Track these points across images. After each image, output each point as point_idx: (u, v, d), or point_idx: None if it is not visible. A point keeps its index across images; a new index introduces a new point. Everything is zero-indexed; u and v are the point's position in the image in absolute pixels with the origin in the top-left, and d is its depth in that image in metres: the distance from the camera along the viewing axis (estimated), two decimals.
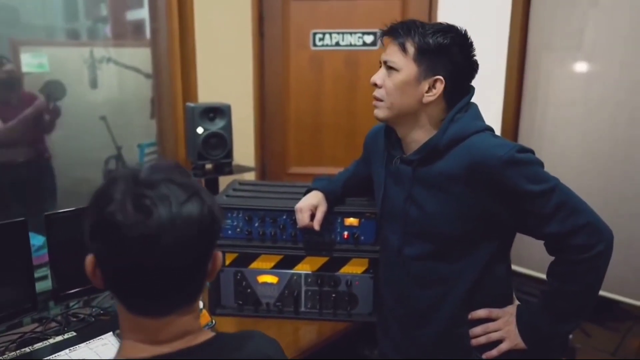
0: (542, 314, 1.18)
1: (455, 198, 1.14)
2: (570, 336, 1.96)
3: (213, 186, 2.29)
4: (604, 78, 2.22)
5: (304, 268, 1.47)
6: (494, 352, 1.21)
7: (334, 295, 1.47)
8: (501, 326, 1.21)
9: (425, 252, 1.21)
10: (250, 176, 2.62)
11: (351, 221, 1.44)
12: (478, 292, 1.21)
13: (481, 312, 1.22)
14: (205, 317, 1.55)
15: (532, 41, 2.37)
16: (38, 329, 1.53)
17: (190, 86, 2.44)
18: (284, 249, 1.46)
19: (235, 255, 1.48)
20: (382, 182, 1.29)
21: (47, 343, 1.46)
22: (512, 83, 2.38)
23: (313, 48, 2.58)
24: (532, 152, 1.13)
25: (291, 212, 1.41)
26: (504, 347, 1.20)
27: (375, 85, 1.21)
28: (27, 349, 1.43)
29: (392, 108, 1.19)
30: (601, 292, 1.19)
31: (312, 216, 1.37)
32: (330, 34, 2.55)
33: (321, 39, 2.57)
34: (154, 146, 2.69)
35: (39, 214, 1.54)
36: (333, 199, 1.42)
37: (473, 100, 1.22)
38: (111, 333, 1.49)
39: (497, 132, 1.42)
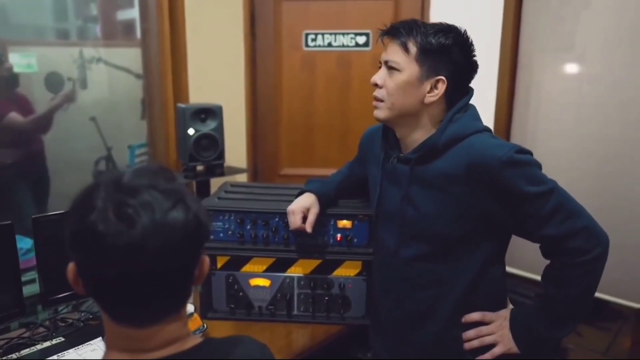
0: (536, 318, 1.18)
1: (453, 198, 1.14)
2: None
3: (204, 188, 2.27)
4: (595, 79, 2.23)
5: (296, 271, 1.46)
6: (487, 356, 1.20)
7: (326, 298, 1.46)
8: (494, 330, 1.20)
9: (421, 253, 1.20)
10: (242, 178, 2.61)
11: (344, 223, 1.43)
12: (473, 294, 1.20)
13: (474, 315, 1.21)
14: (196, 322, 1.53)
15: (524, 43, 2.38)
16: (25, 335, 1.50)
17: (182, 87, 2.42)
18: (277, 251, 1.44)
19: (227, 258, 1.46)
20: (378, 182, 1.28)
21: (35, 349, 1.44)
22: (504, 84, 2.38)
23: (305, 49, 2.57)
24: (531, 153, 1.13)
25: (283, 215, 1.39)
26: (497, 351, 1.19)
27: (376, 85, 1.19)
28: (13, 356, 1.41)
29: (393, 108, 1.17)
30: None
31: (305, 218, 1.35)
32: (322, 34, 2.54)
33: (313, 40, 2.55)
34: (145, 147, 2.66)
35: (30, 216, 1.52)
36: (326, 201, 1.40)
37: None
38: (100, 338, 1.46)
39: None
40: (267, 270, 1.46)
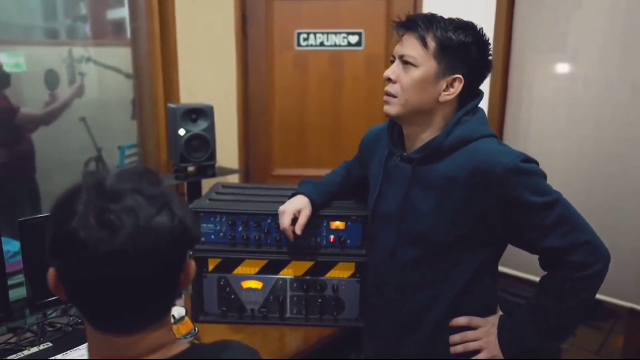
0: (526, 328, 1.16)
1: (453, 201, 1.12)
2: None
3: (196, 189, 2.25)
4: (587, 79, 2.23)
5: (289, 273, 1.44)
6: None
7: (320, 300, 1.44)
8: (480, 336, 1.18)
9: (418, 256, 1.19)
10: (234, 178, 2.58)
11: (337, 224, 1.41)
12: (465, 300, 1.19)
13: (462, 320, 1.20)
14: (187, 325, 1.51)
15: (516, 43, 2.38)
16: (12, 340, 1.47)
17: (172, 87, 2.40)
18: (269, 253, 1.43)
19: (218, 260, 1.44)
20: (379, 181, 1.26)
21: (22, 355, 1.41)
22: (497, 84, 2.38)
23: (297, 48, 2.55)
24: (537, 162, 1.11)
25: (276, 216, 1.37)
26: (481, 357, 1.18)
27: (389, 80, 1.15)
28: None
29: (406, 105, 1.14)
30: None
31: (295, 220, 1.33)
32: (314, 34, 2.53)
33: (305, 39, 2.54)
34: (135, 148, 2.63)
35: (19, 217, 1.49)
36: (318, 205, 1.38)
37: None
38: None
39: None
40: (259, 273, 1.44)
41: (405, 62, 1.12)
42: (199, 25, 2.45)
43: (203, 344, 0.77)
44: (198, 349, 0.75)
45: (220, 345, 0.76)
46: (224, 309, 1.45)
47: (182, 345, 0.73)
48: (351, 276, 1.43)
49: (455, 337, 1.20)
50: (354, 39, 2.51)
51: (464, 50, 1.10)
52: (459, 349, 1.19)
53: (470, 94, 1.16)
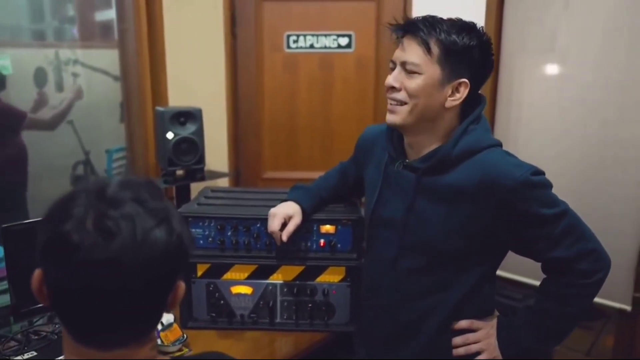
0: (524, 331, 1.17)
1: (461, 213, 1.10)
2: None
3: (184, 193, 2.23)
4: (576, 80, 2.24)
5: (279, 278, 1.42)
6: None
7: (310, 305, 1.43)
8: (481, 338, 1.19)
9: (421, 265, 1.18)
10: (223, 182, 2.56)
11: (327, 228, 1.40)
12: (465, 306, 1.19)
13: (463, 323, 1.20)
14: (176, 332, 1.49)
15: (506, 44, 2.38)
16: None
17: (160, 89, 2.37)
18: (258, 258, 1.41)
19: (207, 266, 1.42)
20: (378, 186, 1.23)
21: None
22: (486, 85, 2.36)
23: (287, 50, 2.54)
24: (544, 173, 1.10)
25: (265, 220, 1.35)
26: (482, 358, 1.19)
27: (393, 88, 1.11)
28: None
29: (413, 112, 1.10)
30: None
31: (284, 225, 1.31)
32: (304, 35, 2.51)
33: (295, 41, 2.52)
34: (123, 151, 2.60)
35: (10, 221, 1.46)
36: (309, 214, 1.36)
37: None
38: None
39: None
40: (249, 278, 1.42)
41: (409, 71, 1.09)
42: (188, 27, 2.43)
43: (185, 357, 0.75)
44: None
45: (202, 357, 0.74)
46: (213, 314, 1.43)
47: None
48: (342, 280, 1.42)
49: (457, 340, 1.20)
50: (344, 41, 2.50)
51: (468, 54, 1.07)
52: (460, 351, 1.19)
53: (472, 97, 1.13)
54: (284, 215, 1.31)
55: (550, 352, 2.18)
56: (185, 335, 1.50)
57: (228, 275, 1.42)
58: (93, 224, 0.59)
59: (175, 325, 1.50)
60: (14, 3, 2.36)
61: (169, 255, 0.63)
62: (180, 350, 1.48)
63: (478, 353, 1.19)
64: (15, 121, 2.29)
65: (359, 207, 1.46)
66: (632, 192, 2.15)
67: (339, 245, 1.40)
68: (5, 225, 1.43)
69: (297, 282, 1.42)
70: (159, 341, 1.47)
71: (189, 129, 2.13)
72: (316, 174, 1.52)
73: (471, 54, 1.07)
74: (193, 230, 1.40)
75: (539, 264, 1.19)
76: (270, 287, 1.42)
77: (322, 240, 1.40)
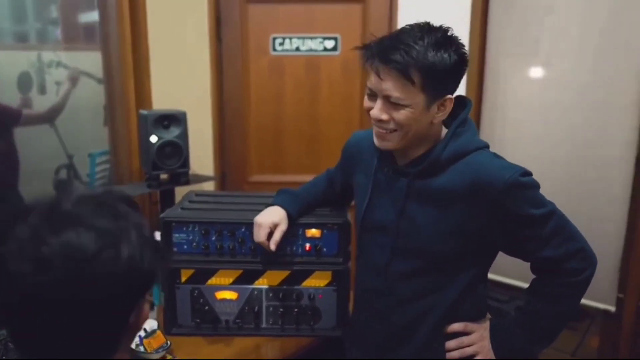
0: (516, 332, 1.18)
1: (452, 215, 1.11)
2: None
3: (169, 197, 2.20)
4: (559, 82, 2.26)
5: (264, 282, 1.41)
6: None
7: (296, 309, 1.42)
8: (475, 340, 1.19)
9: (413, 268, 1.18)
10: (209, 186, 2.54)
11: (313, 232, 1.39)
12: (459, 309, 1.19)
13: (457, 326, 1.20)
14: (159, 339, 1.46)
15: (491, 48, 2.40)
16: None
17: (144, 92, 2.34)
18: (243, 263, 1.40)
19: (191, 271, 1.40)
20: (368, 191, 1.23)
21: None
22: (472, 89, 2.39)
23: (273, 53, 2.52)
24: (532, 174, 1.12)
25: (250, 225, 1.34)
26: None
27: (380, 121, 1.09)
28: None
29: (405, 137, 1.10)
30: None
31: (271, 234, 1.30)
32: (290, 38, 2.50)
33: (281, 44, 2.51)
34: (107, 155, 2.56)
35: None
36: (295, 219, 1.35)
37: None
38: None
39: None
40: (233, 283, 1.41)
41: (393, 102, 1.06)
42: (172, 29, 2.40)
43: None
44: None
45: None
46: (198, 320, 1.41)
47: None
48: (328, 285, 1.41)
49: (451, 343, 1.20)
50: (330, 43, 2.50)
51: (449, 72, 1.04)
52: (455, 354, 1.20)
53: (455, 99, 1.13)
54: (270, 224, 1.29)
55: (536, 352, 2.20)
56: (168, 342, 1.48)
57: (213, 281, 1.40)
58: (29, 249, 0.57)
59: (158, 332, 1.47)
60: None
61: (114, 282, 0.60)
62: (163, 357, 1.46)
63: (473, 356, 1.19)
64: (10, 120, 2.25)
65: (346, 211, 1.45)
66: (616, 193, 2.17)
67: (324, 249, 1.39)
68: None
69: (283, 286, 1.41)
70: (141, 349, 1.45)
71: (173, 132, 2.11)
72: (303, 177, 1.51)
73: (452, 70, 1.05)
74: (176, 235, 1.38)
75: (525, 266, 1.20)
76: (256, 292, 1.41)
77: (307, 245, 1.39)
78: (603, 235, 2.20)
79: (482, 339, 1.19)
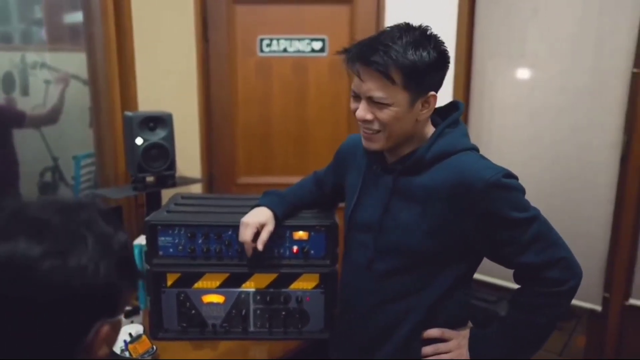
0: (496, 342, 1.16)
1: (433, 214, 1.10)
2: None
3: (155, 200, 2.17)
4: (546, 84, 2.28)
5: (251, 286, 1.40)
6: None
7: (284, 313, 1.41)
8: (452, 348, 1.18)
9: (395, 267, 1.17)
10: (196, 188, 2.52)
11: (300, 235, 1.38)
12: (439, 312, 1.18)
13: (434, 332, 1.19)
14: (145, 344, 1.44)
15: (477, 49, 2.41)
16: None
17: (130, 94, 2.32)
18: (230, 266, 1.38)
19: (177, 275, 1.38)
20: (357, 190, 1.23)
21: None
22: (459, 90, 2.41)
23: (260, 54, 2.51)
24: (517, 178, 1.11)
25: (237, 228, 1.33)
26: None
27: (366, 120, 1.10)
28: None
29: (391, 137, 1.11)
30: None
31: (257, 235, 1.29)
32: (277, 40, 2.49)
33: (268, 45, 2.50)
34: (92, 157, 2.53)
35: None
36: (282, 219, 1.35)
37: None
38: None
39: None
40: (220, 286, 1.39)
41: (376, 102, 1.07)
42: (158, 30, 2.38)
43: None
44: None
45: None
46: (184, 324, 1.40)
47: None
48: (315, 287, 1.40)
49: (427, 349, 1.19)
50: (317, 45, 2.49)
51: (430, 69, 1.05)
52: None
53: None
54: (257, 224, 1.28)
55: None
56: (154, 347, 1.46)
57: (199, 284, 1.39)
58: None
59: (144, 336, 1.45)
60: None
61: (57, 291, 0.57)
62: None
63: None
64: (15, 121, 2.24)
65: (334, 213, 1.44)
66: (602, 195, 2.19)
67: (312, 252, 1.38)
68: None
69: (270, 289, 1.40)
70: (127, 354, 1.42)
71: (159, 134, 2.09)
72: (291, 179, 1.50)
73: (432, 67, 1.06)
74: (162, 238, 1.36)
75: None
76: (243, 296, 1.40)
77: (295, 247, 1.38)
78: (589, 236, 2.22)
79: (459, 347, 1.18)
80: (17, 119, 2.26)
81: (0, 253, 0.56)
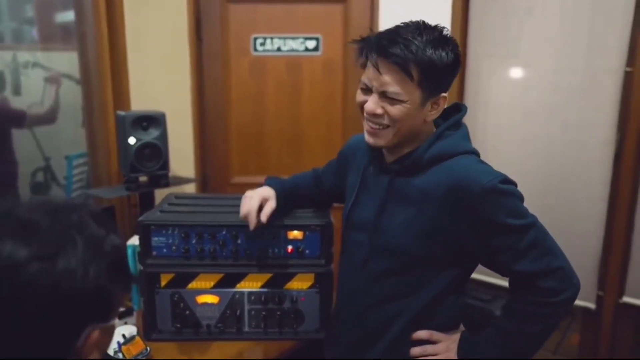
0: (487, 349, 1.14)
1: (427, 216, 1.09)
2: None
3: (148, 200, 2.16)
4: (539, 83, 2.28)
5: (246, 286, 1.39)
6: None
7: (279, 313, 1.40)
8: (440, 351, 1.17)
9: (389, 267, 1.16)
10: (190, 188, 2.50)
11: (295, 234, 1.37)
12: (430, 315, 1.17)
13: (423, 334, 1.18)
14: (139, 345, 1.43)
15: (471, 49, 2.41)
16: None
17: (122, 93, 2.30)
18: (225, 266, 1.37)
19: (171, 275, 1.37)
20: (355, 190, 1.22)
21: None
22: (453, 89, 2.40)
23: (254, 53, 2.50)
24: (515, 184, 1.09)
25: (231, 227, 1.32)
26: None
27: (375, 114, 1.07)
28: None
29: (398, 134, 1.09)
30: None
31: (260, 208, 1.27)
32: (271, 38, 2.49)
33: (262, 44, 2.49)
34: (84, 157, 2.51)
35: None
36: (282, 203, 1.33)
37: None
38: None
39: None
40: (215, 287, 1.38)
41: (389, 97, 1.04)
42: (150, 29, 2.37)
43: None
44: None
45: None
46: (178, 325, 1.38)
47: None
48: (311, 287, 1.39)
49: (415, 350, 1.18)
50: (311, 44, 2.49)
51: (446, 70, 1.05)
52: None
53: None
54: (261, 197, 1.27)
55: None
56: (148, 348, 1.45)
57: (193, 285, 1.38)
58: None
59: (137, 337, 1.44)
60: None
61: (44, 294, 0.56)
62: None
63: None
64: (16, 121, 2.24)
65: (329, 212, 1.44)
66: (596, 193, 2.20)
67: (307, 252, 1.37)
68: None
69: (265, 289, 1.39)
70: (120, 355, 1.41)
71: (152, 133, 2.07)
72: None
73: (448, 69, 1.05)
74: (156, 238, 1.35)
75: None
76: (237, 296, 1.39)
77: (290, 247, 1.37)
78: (583, 234, 2.23)
79: (447, 350, 1.16)
80: (18, 118, 2.25)
81: None
